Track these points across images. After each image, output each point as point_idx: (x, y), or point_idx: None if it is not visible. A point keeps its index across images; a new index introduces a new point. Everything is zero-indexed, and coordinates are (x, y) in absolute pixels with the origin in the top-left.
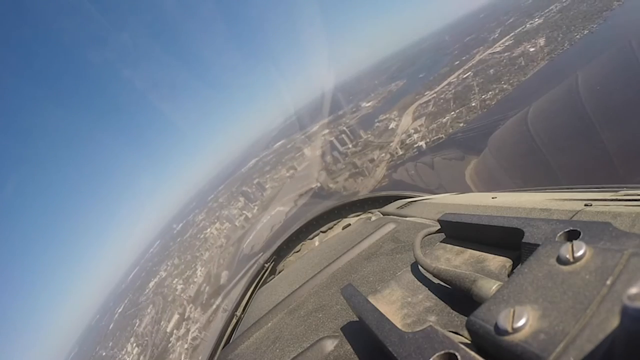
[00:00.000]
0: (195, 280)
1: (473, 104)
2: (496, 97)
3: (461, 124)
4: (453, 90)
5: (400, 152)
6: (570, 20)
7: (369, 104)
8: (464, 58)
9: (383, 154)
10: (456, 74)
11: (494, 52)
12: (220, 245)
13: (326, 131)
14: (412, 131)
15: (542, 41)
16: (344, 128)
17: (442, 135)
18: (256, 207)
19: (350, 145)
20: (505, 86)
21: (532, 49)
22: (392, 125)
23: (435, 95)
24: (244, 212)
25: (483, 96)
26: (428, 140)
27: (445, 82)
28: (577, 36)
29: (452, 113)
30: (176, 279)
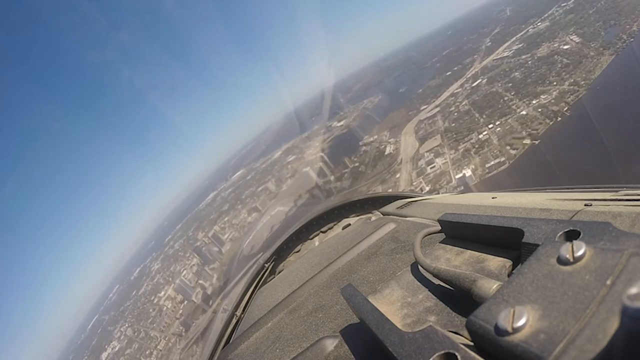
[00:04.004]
0: None
1: (523, 112)
2: (563, 99)
3: (526, 140)
4: (466, 101)
5: (427, 188)
6: (599, 16)
7: (340, 123)
8: (455, 68)
9: (390, 190)
10: (458, 83)
11: (502, 57)
12: (178, 334)
13: (291, 157)
14: (431, 155)
15: (574, 38)
16: (321, 154)
17: (503, 158)
18: (215, 275)
19: (332, 178)
20: (564, 87)
21: (565, 47)
22: (390, 149)
23: (439, 108)
24: (201, 281)
25: (534, 101)
26: (474, 167)
27: (447, 93)
28: (633, 29)
29: (492, 127)
30: None
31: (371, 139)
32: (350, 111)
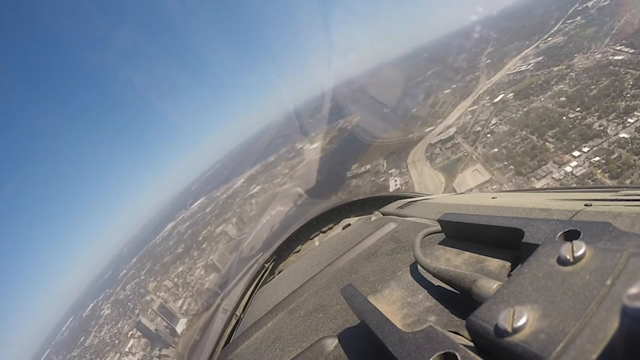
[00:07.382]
0: None
1: (622, 135)
2: None
3: None
4: (495, 119)
5: None
6: (636, 26)
7: (314, 145)
8: (455, 86)
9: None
10: (469, 100)
11: (520, 71)
12: None
13: (256, 188)
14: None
15: (624, 49)
16: (298, 189)
17: None
18: None
19: None
20: None
21: (618, 57)
22: (395, 183)
23: (455, 129)
24: None
25: (630, 120)
26: None
27: (459, 112)
28: None
29: (579, 155)
30: None
31: (362, 168)
32: (326, 132)
